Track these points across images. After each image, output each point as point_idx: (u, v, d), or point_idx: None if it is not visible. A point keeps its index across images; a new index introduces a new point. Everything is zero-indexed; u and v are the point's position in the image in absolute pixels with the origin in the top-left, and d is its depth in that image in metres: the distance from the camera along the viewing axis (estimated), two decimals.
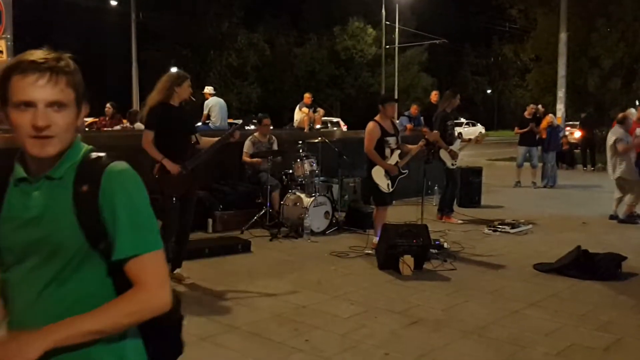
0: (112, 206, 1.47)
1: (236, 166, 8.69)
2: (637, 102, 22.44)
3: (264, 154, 8.36)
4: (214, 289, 5.52)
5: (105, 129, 12.48)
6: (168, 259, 5.66)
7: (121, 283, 1.50)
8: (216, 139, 5.71)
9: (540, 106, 14.89)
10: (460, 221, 9.04)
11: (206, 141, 5.69)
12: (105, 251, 1.49)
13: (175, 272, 5.68)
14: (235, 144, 8.68)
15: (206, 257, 6.59)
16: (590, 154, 17.78)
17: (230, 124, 17.66)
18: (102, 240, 1.48)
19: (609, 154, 9.28)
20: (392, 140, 6.96)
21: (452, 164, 8.89)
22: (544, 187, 13.22)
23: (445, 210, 9.19)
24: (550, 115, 14.09)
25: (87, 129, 13.10)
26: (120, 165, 1.52)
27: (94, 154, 1.55)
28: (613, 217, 9.31)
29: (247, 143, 8.51)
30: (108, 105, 12.79)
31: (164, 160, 5.31)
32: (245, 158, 8.47)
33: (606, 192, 11.16)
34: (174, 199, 5.40)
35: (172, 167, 5.32)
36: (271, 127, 9.15)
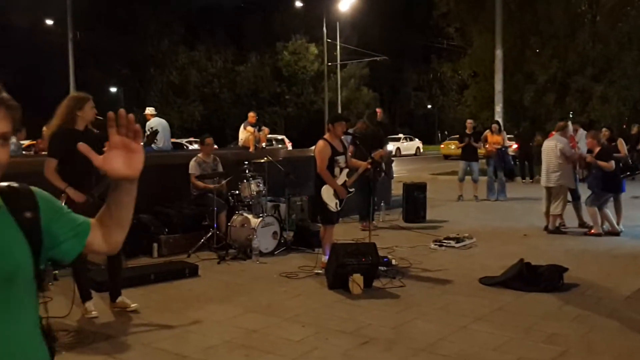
0: (55, 224, 1.53)
1: (181, 188, 8.52)
2: (570, 115, 23.35)
3: (210, 175, 8.25)
4: (161, 316, 5.37)
5: (43, 152, 12.09)
6: (83, 289, 5.44)
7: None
8: None
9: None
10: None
11: None
12: (39, 281, 1.49)
13: (117, 301, 5.50)
14: (178, 165, 8.57)
15: (152, 283, 6.41)
16: (528, 166, 18.30)
17: (174, 144, 17.40)
18: (38, 268, 1.49)
19: (551, 160, 9.21)
20: (341, 159, 6.98)
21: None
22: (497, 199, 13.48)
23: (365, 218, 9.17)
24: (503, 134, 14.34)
25: (24, 152, 12.68)
26: (38, 189, 1.58)
27: (2, 183, 1.53)
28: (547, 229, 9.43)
29: (192, 164, 8.34)
30: (45, 128, 12.40)
31: (68, 189, 5.07)
32: (195, 181, 8.29)
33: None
34: None
35: (77, 195, 5.07)
36: (215, 147, 9.04)
